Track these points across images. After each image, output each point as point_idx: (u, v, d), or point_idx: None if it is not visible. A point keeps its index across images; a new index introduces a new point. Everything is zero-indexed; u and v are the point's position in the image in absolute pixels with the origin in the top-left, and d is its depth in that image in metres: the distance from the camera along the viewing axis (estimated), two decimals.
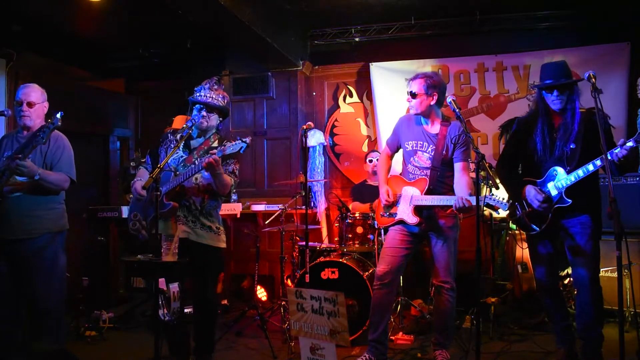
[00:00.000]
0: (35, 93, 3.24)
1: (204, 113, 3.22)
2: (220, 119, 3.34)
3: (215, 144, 3.21)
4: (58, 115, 3.03)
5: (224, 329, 4.17)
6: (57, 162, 3.22)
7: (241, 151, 2.96)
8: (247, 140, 2.97)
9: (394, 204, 3.40)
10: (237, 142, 2.96)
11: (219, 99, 3.28)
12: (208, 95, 3.24)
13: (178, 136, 3.26)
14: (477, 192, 2.82)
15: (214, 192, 3.22)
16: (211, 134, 3.28)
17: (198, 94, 3.24)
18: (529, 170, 3.16)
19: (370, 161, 4.99)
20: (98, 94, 6.37)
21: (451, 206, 3.15)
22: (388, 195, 3.39)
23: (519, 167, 3.34)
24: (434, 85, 3.27)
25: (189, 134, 3.16)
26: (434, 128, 3.36)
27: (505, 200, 2.93)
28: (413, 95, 3.30)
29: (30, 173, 3.01)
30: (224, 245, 3.30)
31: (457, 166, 3.29)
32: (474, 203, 2.90)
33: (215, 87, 3.28)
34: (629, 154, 2.71)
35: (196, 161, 3.12)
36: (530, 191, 3.06)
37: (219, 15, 4.33)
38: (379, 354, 3.34)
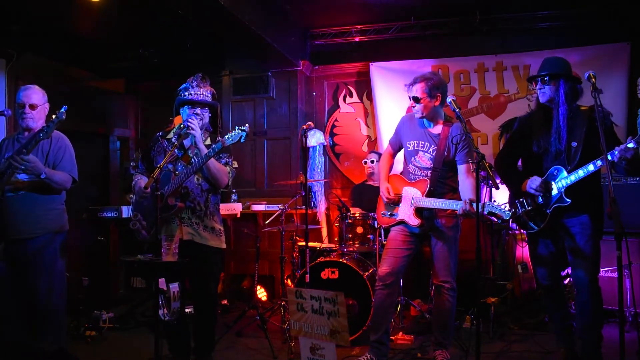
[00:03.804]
0: (36, 95, 3.24)
1: (197, 111, 3.20)
2: (210, 115, 3.32)
3: (208, 142, 3.21)
4: (62, 110, 3.03)
5: (224, 329, 4.17)
6: (60, 161, 3.22)
7: (241, 140, 2.95)
8: (246, 128, 2.95)
9: (395, 202, 3.39)
10: (235, 131, 2.95)
11: (209, 94, 3.26)
12: (199, 92, 3.21)
13: (173, 136, 3.25)
14: (477, 192, 2.81)
15: (214, 186, 3.23)
16: (202, 132, 3.25)
17: (187, 93, 3.20)
18: (530, 170, 3.15)
19: (365, 163, 5.00)
20: (98, 94, 6.38)
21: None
22: (388, 192, 3.38)
23: (517, 163, 3.34)
24: (436, 86, 3.25)
25: (184, 134, 3.16)
26: (436, 129, 3.34)
27: (507, 208, 2.92)
28: (416, 100, 3.27)
29: (35, 170, 3.01)
30: (224, 246, 3.31)
31: (461, 168, 3.27)
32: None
33: (202, 83, 3.23)
34: (628, 154, 2.69)
35: (193, 159, 3.12)
36: (529, 181, 3.06)
37: (219, 15, 4.33)
38: (381, 354, 3.33)
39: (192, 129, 3.07)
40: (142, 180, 3.23)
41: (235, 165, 3.30)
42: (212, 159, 3.08)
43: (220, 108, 5.66)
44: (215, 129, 3.38)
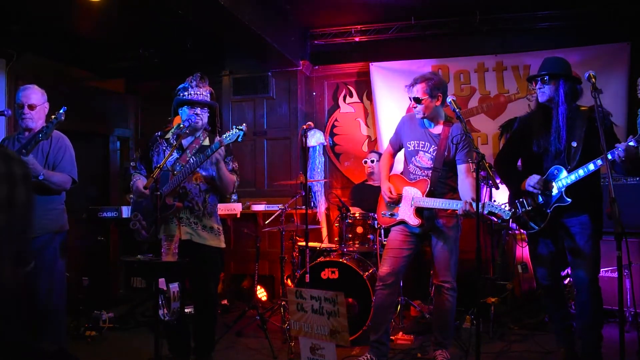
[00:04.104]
0: (35, 95, 3.24)
1: (197, 111, 3.20)
2: (208, 114, 3.31)
3: (207, 142, 3.21)
4: (61, 111, 3.03)
5: (224, 329, 4.17)
6: (60, 162, 3.22)
7: (239, 139, 2.96)
8: (243, 127, 2.97)
9: (396, 202, 3.39)
10: (233, 131, 2.96)
11: (208, 94, 3.26)
12: (198, 92, 3.21)
13: (172, 136, 3.25)
14: (477, 192, 2.81)
15: (215, 189, 3.23)
16: (200, 132, 3.26)
17: (187, 93, 3.20)
18: (530, 170, 3.14)
19: (365, 163, 5.00)
20: (98, 94, 6.38)
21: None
22: (390, 192, 3.38)
23: (517, 163, 3.34)
24: (436, 86, 3.25)
25: (183, 134, 3.16)
26: (437, 129, 3.34)
27: (507, 208, 2.92)
28: (417, 100, 3.26)
29: (33, 171, 3.00)
30: (224, 245, 3.31)
31: (461, 168, 3.27)
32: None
33: (201, 83, 3.24)
34: (629, 154, 2.69)
35: (191, 159, 3.12)
36: (528, 179, 3.05)
37: (219, 15, 4.33)
38: (381, 354, 3.33)
39: (219, 153, 3.05)
40: (140, 181, 3.23)
41: (236, 165, 3.31)
42: (224, 169, 3.09)
43: (220, 108, 5.69)
44: (214, 128, 3.38)
